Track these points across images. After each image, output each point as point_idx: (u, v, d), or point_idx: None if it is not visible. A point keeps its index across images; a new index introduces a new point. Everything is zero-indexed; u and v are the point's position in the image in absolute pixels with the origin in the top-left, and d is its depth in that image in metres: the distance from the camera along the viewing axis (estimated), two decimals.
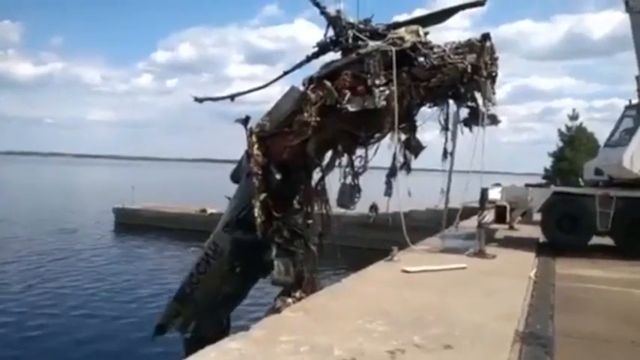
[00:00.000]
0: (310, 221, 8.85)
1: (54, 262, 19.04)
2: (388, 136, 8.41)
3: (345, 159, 8.71)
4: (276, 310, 7.37)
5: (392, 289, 7.71)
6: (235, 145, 9.48)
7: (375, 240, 17.46)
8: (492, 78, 8.76)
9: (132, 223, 28.37)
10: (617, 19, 14.78)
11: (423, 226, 13.73)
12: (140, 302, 14.22)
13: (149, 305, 13.45)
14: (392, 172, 8.91)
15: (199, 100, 9.57)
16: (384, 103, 7.62)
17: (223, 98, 9.47)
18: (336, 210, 9.17)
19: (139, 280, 17.02)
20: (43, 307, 13.49)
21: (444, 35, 9.29)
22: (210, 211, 25.46)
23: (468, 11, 9.30)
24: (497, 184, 14.07)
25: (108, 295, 15.00)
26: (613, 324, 6.68)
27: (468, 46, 8.34)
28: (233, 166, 9.35)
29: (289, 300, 8.05)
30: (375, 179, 9.08)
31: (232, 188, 9.24)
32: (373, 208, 9.58)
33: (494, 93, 9.01)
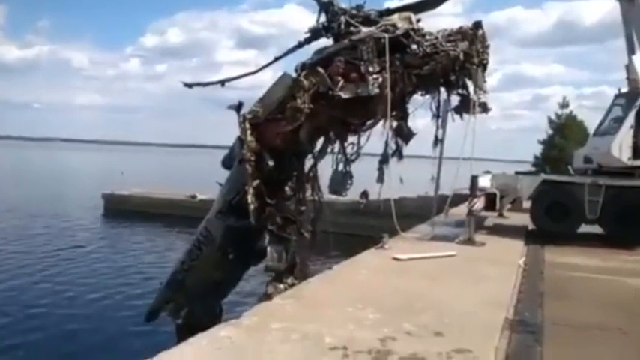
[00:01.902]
0: (303, 208, 8.86)
1: (42, 248, 18.92)
2: (380, 123, 8.41)
3: (337, 146, 8.71)
4: (267, 297, 7.40)
5: (382, 276, 7.74)
6: (225, 130, 9.43)
7: (366, 227, 17.53)
8: (484, 66, 8.78)
9: (121, 209, 28.24)
10: (608, 6, 14.78)
11: (414, 213, 13.77)
12: (131, 288, 14.18)
13: (140, 291, 13.42)
14: (384, 159, 8.92)
15: (189, 86, 9.51)
16: (377, 90, 7.60)
17: (213, 83, 9.40)
18: (328, 197, 9.18)
19: (130, 266, 16.97)
20: (32, 293, 13.45)
21: (436, 21, 9.27)
22: (199, 197, 25.42)
23: None
24: (488, 172, 14.12)
25: (98, 281, 14.95)
26: (601, 312, 6.75)
27: (460, 33, 8.35)
28: (223, 152, 9.33)
29: (281, 286, 8.09)
30: (367, 166, 9.09)
31: (222, 174, 9.22)
32: (364, 194, 9.58)
33: (485, 81, 9.04)
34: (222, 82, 9.20)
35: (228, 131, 8.81)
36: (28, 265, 16.34)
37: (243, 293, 10.81)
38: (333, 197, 9.23)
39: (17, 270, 15.63)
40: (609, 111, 13.89)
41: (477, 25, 8.46)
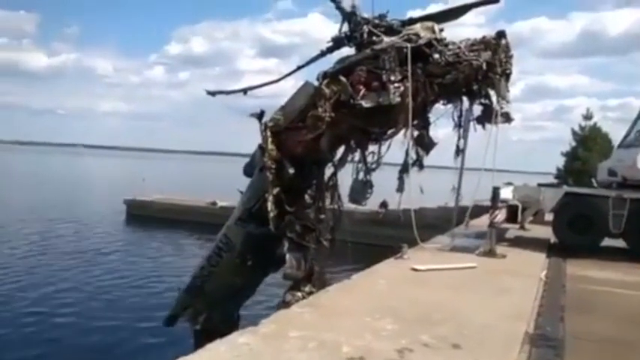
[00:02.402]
0: (322, 216, 8.86)
1: (64, 252, 19.16)
2: (401, 132, 8.39)
3: (357, 154, 8.70)
4: (285, 304, 7.40)
5: (401, 286, 7.69)
6: (246, 138, 9.49)
7: (385, 237, 17.45)
8: (507, 76, 8.71)
9: (143, 215, 28.55)
10: (634, 17, 14.60)
11: (434, 223, 13.67)
12: (151, 293, 14.31)
13: (159, 296, 13.53)
14: (404, 169, 8.89)
15: (212, 94, 9.60)
16: (398, 99, 7.59)
17: (236, 92, 9.48)
18: (347, 206, 9.17)
19: (150, 271, 17.11)
20: (54, 296, 13.61)
21: (459, 31, 9.24)
22: (220, 204, 25.59)
23: (482, 7, 9.25)
24: (510, 183, 13.99)
25: (118, 285, 15.10)
26: (624, 327, 6.62)
27: (483, 43, 8.31)
28: (244, 160, 9.38)
29: (299, 294, 8.09)
30: (387, 175, 9.06)
31: (243, 181, 9.27)
32: (383, 204, 9.55)
33: (508, 91, 8.97)
34: (245, 91, 9.27)
35: (249, 139, 8.87)
36: (49, 269, 16.56)
37: (261, 301, 10.82)
38: (352, 207, 9.21)
39: (38, 274, 15.82)
40: (635, 122, 13.69)
41: (501, 34, 8.41)
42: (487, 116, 9.02)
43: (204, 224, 22.41)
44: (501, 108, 8.87)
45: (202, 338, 7.10)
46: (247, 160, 9.23)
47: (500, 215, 12.02)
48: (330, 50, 8.56)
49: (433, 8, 8.93)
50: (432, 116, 8.89)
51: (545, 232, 14.01)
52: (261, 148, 8.29)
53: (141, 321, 11.97)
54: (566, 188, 13.56)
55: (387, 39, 7.98)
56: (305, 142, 8.09)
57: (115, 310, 12.82)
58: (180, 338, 9.72)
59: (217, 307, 9.29)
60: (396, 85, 7.63)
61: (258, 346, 4.66)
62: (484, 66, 8.05)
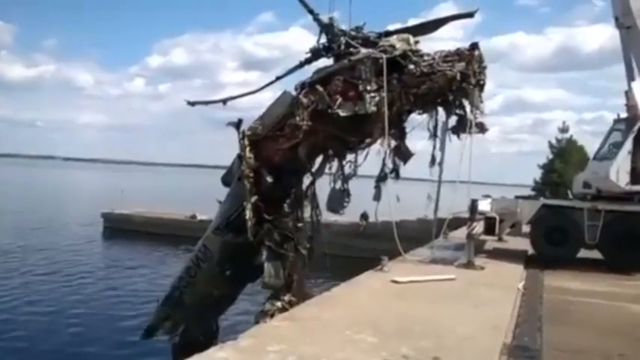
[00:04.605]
0: (300, 225, 8.85)
1: (40, 266, 18.78)
2: (378, 142, 8.44)
3: (335, 164, 8.73)
4: (264, 314, 7.34)
5: (381, 299, 7.67)
6: (226, 150, 9.47)
7: (365, 249, 17.44)
8: (480, 86, 8.80)
9: (120, 228, 28.10)
10: (608, 33, 14.90)
11: (413, 235, 13.70)
12: (128, 306, 14.06)
13: (137, 309, 13.30)
14: (381, 178, 8.93)
15: (192, 104, 9.60)
16: (374, 108, 7.67)
17: (216, 102, 9.50)
18: (326, 218, 9.17)
19: (127, 285, 16.83)
20: (30, 311, 13.29)
21: (437, 45, 9.33)
22: (200, 217, 25.32)
23: (461, 22, 9.38)
24: (487, 196, 14.09)
25: (95, 299, 14.83)
26: (601, 337, 6.67)
27: (457, 54, 8.40)
28: (223, 172, 9.35)
29: (278, 303, 8.05)
30: (365, 187, 9.08)
31: (222, 194, 9.22)
32: (363, 216, 9.55)
33: (482, 101, 9.05)
34: (224, 101, 9.29)
35: (229, 151, 8.88)
36: (23, 281, 16.22)
37: (240, 311, 10.73)
38: (332, 219, 9.21)
39: (11, 288, 15.44)
40: (608, 136, 13.91)
41: (474, 46, 8.52)
42: (462, 126, 9.09)
43: (183, 238, 22.13)
44: (475, 118, 8.95)
45: (181, 352, 7.00)
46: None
47: (479, 227, 12.10)
48: (308, 61, 8.62)
49: (413, 22, 9.02)
50: (407, 126, 8.96)
51: (523, 244, 14.12)
52: (240, 158, 8.29)
53: (119, 334, 11.78)
54: (542, 200, 13.71)
55: (363, 50, 8.05)
56: (283, 150, 8.12)
57: (93, 323, 12.58)
58: (158, 352, 9.58)
59: (196, 318, 9.18)
60: (372, 94, 7.71)
61: None
62: (458, 76, 8.14)
